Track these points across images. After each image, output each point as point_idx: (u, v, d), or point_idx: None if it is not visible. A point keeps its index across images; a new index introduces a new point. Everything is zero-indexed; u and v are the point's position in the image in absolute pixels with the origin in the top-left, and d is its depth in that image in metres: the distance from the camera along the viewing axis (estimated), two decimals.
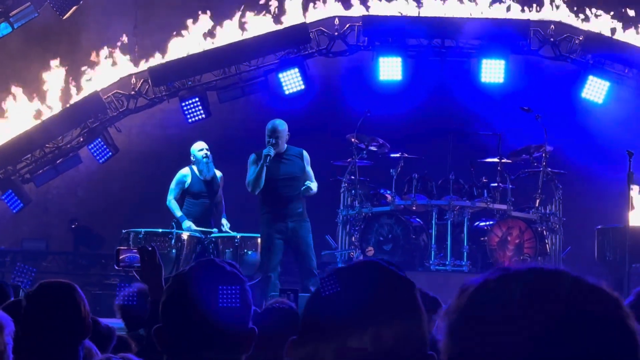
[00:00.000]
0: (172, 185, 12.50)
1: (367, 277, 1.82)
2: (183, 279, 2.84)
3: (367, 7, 15.36)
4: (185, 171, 12.51)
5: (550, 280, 1.57)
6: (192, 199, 12.49)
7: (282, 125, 11.50)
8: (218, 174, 12.58)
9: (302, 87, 15.22)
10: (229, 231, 12.29)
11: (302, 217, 11.54)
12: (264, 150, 11.32)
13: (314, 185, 11.41)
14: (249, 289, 2.85)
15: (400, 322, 1.79)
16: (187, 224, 12.19)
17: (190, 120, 15.48)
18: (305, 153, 11.64)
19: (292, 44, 15.37)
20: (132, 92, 15.71)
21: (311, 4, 15.43)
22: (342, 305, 1.77)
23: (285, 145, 11.51)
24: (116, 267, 4.79)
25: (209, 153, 12.40)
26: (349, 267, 1.86)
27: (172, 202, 12.41)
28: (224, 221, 12.44)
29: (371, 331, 1.75)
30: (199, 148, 12.42)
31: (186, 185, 12.44)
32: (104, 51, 15.69)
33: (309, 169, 11.62)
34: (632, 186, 11.82)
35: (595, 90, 14.80)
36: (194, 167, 12.43)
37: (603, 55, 14.95)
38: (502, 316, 1.54)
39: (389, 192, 13.40)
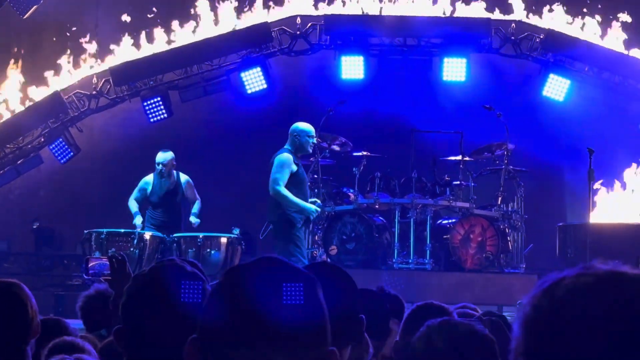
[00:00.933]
0: (136, 188, 12.60)
1: (266, 274, 1.79)
2: (143, 280, 2.82)
3: (329, 6, 15.35)
4: (148, 178, 12.58)
5: (632, 285, 1.55)
6: (152, 209, 12.58)
7: None
8: (183, 178, 12.52)
9: (265, 86, 15.20)
10: (194, 223, 12.33)
11: None
12: (316, 206, 11.17)
13: None
14: (209, 289, 2.83)
15: (300, 319, 1.76)
16: (136, 219, 12.31)
17: (152, 119, 15.42)
18: None
19: (254, 43, 15.32)
20: (94, 92, 15.62)
21: (271, 3, 15.41)
22: (240, 303, 1.75)
23: None
24: (85, 277, 4.75)
25: (160, 168, 12.34)
26: (248, 263, 1.84)
27: (130, 201, 12.57)
28: (192, 218, 12.38)
29: (269, 330, 1.73)
30: (156, 161, 12.44)
31: (147, 193, 12.49)
32: (65, 51, 15.59)
33: None
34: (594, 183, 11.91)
35: (556, 88, 14.88)
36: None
37: (563, 53, 15.03)
38: (577, 316, 1.53)
39: (351, 190, 13.42)
